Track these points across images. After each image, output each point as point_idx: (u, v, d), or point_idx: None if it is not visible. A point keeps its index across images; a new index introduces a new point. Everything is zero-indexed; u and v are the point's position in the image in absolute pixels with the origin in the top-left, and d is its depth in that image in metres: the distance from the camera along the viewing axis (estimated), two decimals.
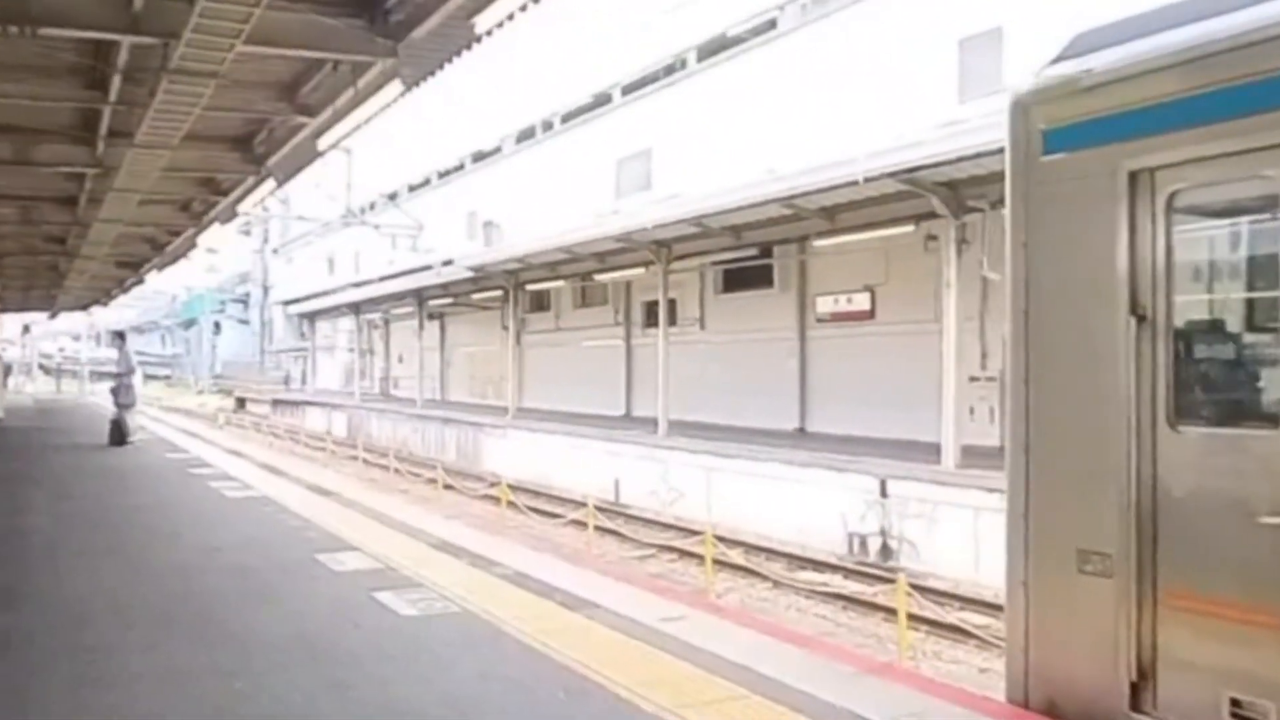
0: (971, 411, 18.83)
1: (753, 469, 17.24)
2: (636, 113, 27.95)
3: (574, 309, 31.92)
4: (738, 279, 24.94)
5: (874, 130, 17.19)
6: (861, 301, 21.49)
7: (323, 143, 12.00)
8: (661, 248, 21.20)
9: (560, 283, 27.26)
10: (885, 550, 14.51)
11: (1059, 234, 4.36)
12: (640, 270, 22.69)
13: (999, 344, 18.43)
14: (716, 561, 13.81)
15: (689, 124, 25.26)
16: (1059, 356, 4.37)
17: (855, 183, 14.54)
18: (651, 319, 28.49)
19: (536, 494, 20.87)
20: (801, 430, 22.88)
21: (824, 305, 22.48)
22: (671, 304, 26.92)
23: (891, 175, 14.01)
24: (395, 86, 9.43)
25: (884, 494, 14.53)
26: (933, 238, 16.42)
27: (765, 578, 13.05)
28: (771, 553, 14.76)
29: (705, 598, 11.80)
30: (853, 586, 13.02)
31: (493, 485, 22.83)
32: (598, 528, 15.30)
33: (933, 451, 17.41)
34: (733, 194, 17.22)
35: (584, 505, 19.52)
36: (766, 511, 16.55)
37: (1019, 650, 4.43)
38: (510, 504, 17.28)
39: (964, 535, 13.26)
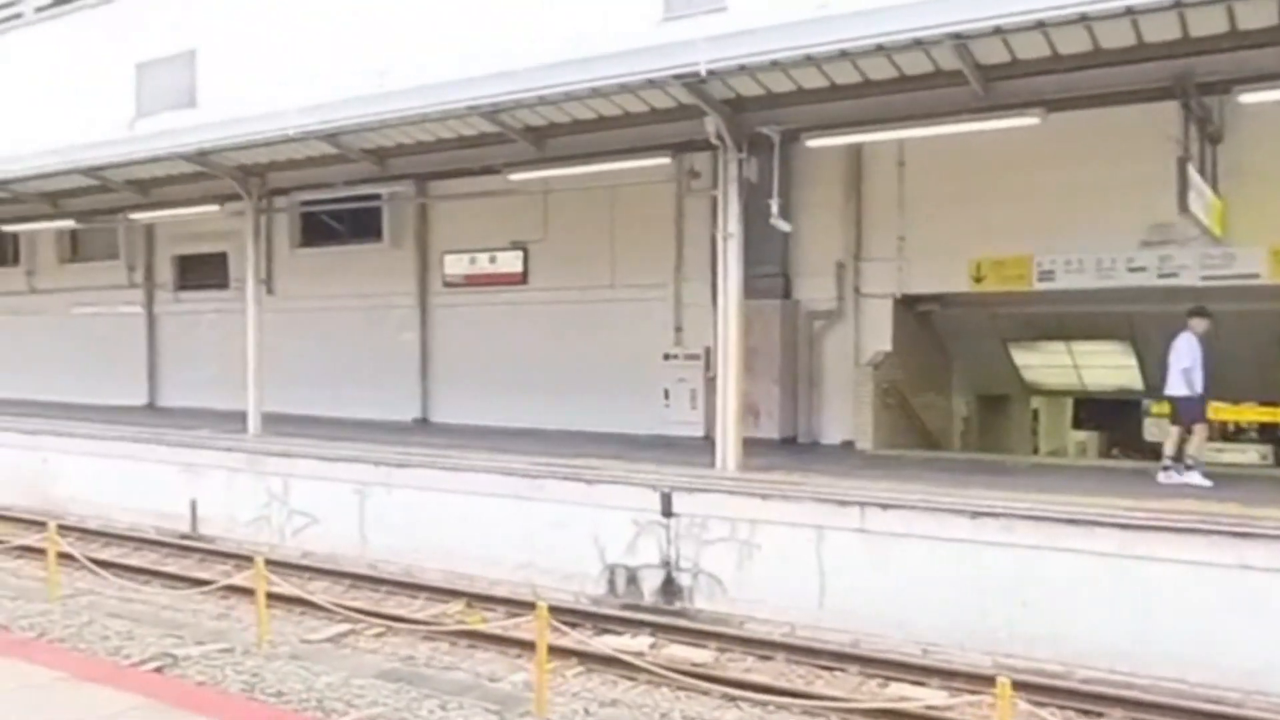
0: (666, 395, 15.79)
1: (446, 482, 12.41)
2: (169, 2, 20.76)
3: (61, 264, 23.60)
4: (326, 229, 19.40)
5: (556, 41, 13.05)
6: (510, 262, 17.41)
7: None
8: (252, 176, 15.23)
9: (68, 222, 19.39)
10: (670, 588, 10.76)
11: None
12: (214, 208, 16.30)
13: (695, 315, 15.54)
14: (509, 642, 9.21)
15: (260, 20, 18.97)
16: None
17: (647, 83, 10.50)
18: (188, 280, 21.72)
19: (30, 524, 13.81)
20: (425, 421, 18.24)
21: (455, 266, 18.00)
22: (223, 259, 20.70)
23: (679, 78, 10.16)
24: None
25: (668, 512, 10.75)
26: (695, 174, 12.88)
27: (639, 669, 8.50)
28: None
29: None
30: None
31: None
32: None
33: (614, 443, 14.06)
34: (411, 96, 12.13)
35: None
36: (475, 538, 11.95)
37: None
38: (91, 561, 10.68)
39: (802, 565, 9.98)
